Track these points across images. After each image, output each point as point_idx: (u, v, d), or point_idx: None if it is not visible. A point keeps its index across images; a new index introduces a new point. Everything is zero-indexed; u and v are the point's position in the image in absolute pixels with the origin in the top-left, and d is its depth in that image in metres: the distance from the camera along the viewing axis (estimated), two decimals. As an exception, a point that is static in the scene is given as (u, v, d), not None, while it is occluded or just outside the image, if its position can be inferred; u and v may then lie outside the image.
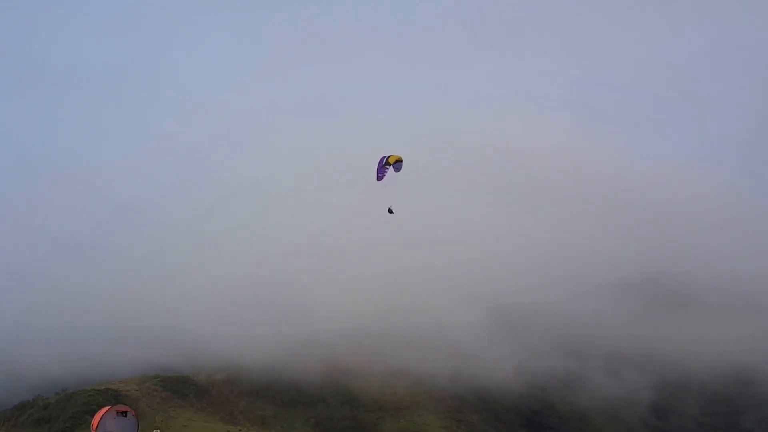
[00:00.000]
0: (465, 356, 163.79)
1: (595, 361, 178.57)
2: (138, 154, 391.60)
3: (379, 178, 77.26)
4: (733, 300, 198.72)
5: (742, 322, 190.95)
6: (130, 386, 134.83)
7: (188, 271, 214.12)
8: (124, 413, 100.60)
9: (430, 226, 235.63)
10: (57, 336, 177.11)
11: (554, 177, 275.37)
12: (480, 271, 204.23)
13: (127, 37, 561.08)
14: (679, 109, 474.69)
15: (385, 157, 78.87)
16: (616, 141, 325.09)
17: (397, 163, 78.09)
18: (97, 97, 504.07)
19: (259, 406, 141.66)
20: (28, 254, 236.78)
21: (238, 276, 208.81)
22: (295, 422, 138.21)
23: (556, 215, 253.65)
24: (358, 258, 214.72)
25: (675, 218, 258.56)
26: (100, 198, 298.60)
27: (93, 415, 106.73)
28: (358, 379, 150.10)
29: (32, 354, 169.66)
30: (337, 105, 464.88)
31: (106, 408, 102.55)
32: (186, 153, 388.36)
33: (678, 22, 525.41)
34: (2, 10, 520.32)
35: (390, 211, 79.85)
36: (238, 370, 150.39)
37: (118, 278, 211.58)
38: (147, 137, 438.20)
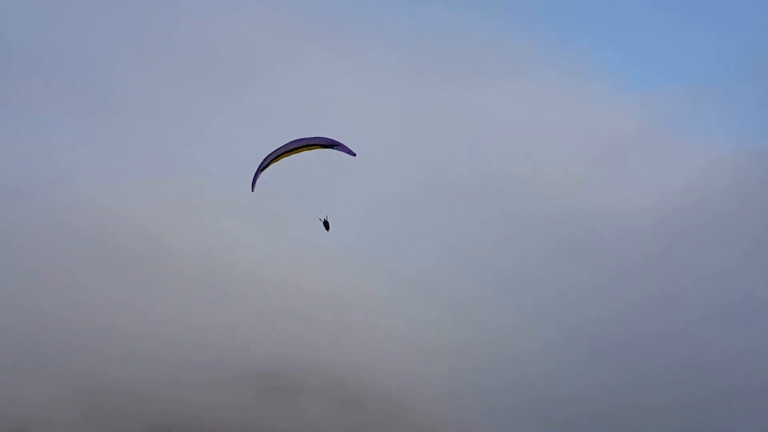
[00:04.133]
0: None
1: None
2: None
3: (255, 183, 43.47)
4: (332, 389, 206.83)
5: (343, 411, 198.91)
6: None
7: None
8: None
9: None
10: None
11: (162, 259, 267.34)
12: (67, 351, 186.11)
13: None
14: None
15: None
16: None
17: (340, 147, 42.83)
18: None
19: None
20: None
21: None
22: None
23: (162, 302, 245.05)
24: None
25: (300, 314, 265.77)
26: None
27: None
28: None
29: None
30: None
31: None
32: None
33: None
34: None
35: (325, 224, 47.96)
36: None
37: None
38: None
